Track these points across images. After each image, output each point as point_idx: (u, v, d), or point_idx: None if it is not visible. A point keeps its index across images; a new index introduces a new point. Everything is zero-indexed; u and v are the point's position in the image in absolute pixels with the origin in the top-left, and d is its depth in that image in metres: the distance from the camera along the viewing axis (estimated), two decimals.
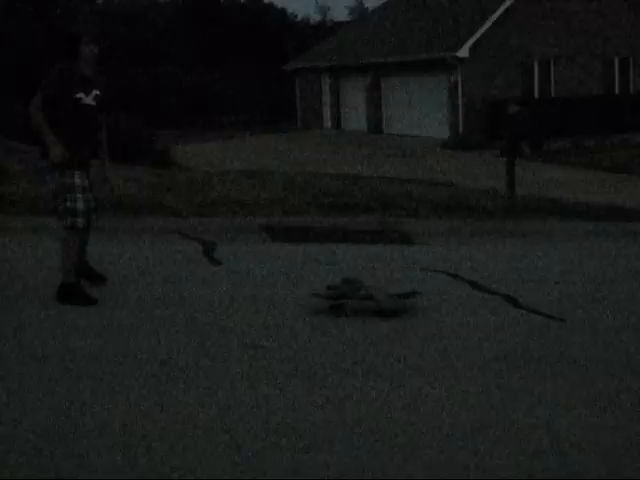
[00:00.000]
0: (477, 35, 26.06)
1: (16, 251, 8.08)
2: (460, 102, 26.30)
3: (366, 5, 52.98)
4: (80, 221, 6.12)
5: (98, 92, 6.23)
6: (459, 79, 26.24)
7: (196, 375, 4.77)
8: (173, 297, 6.52)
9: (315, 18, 51.90)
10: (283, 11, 48.37)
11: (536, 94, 27.27)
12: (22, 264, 7.57)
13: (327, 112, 34.21)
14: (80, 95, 6.13)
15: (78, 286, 6.21)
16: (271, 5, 47.73)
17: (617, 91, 28.37)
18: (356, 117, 31.94)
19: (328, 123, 34.03)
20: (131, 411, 4.20)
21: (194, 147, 27.20)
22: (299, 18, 49.99)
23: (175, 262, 7.88)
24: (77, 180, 6.10)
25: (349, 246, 9.16)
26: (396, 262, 8.32)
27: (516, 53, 26.65)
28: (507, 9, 26.43)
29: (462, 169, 20.06)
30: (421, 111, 28.18)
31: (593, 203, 12.92)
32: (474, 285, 7.15)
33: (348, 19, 48.65)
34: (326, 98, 34.25)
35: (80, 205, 6.10)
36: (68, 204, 6.10)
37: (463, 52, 25.80)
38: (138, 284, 6.84)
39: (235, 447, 3.82)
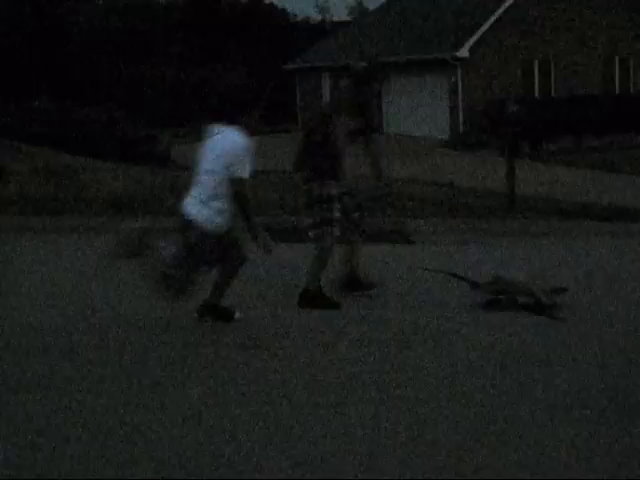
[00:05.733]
0: (477, 35, 26.02)
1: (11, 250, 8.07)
2: (460, 102, 26.28)
3: (366, 5, 52.84)
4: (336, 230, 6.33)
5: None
6: (459, 79, 26.21)
7: (203, 373, 4.77)
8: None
9: (315, 18, 51.79)
10: (283, 11, 48.33)
11: (536, 94, 27.26)
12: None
13: None
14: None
15: (320, 291, 6.37)
16: (271, 5, 47.69)
17: (617, 91, 28.35)
18: None
19: None
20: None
21: (195, 147, 27.14)
22: (299, 18, 49.90)
23: None
24: (333, 191, 6.38)
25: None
26: (396, 262, 8.30)
27: (516, 53, 26.63)
28: (507, 9, 26.40)
29: (462, 169, 20.01)
30: (421, 111, 28.15)
31: (593, 203, 12.91)
32: (474, 285, 7.12)
33: (348, 19, 48.57)
34: (326, 98, 34.20)
35: (337, 214, 6.33)
36: (327, 214, 6.33)
37: (463, 52, 25.76)
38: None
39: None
